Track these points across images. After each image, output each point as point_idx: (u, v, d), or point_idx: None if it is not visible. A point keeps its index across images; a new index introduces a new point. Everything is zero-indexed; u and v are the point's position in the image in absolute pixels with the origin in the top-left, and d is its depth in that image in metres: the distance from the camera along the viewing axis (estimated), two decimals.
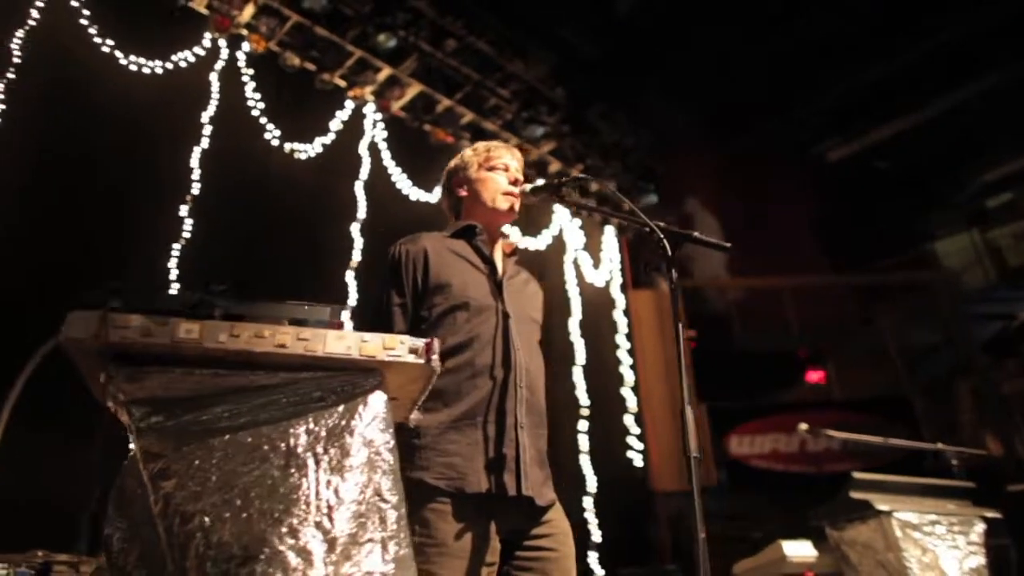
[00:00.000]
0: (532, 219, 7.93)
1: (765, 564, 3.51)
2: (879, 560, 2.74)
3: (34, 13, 4.87)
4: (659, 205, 8.75)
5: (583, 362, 7.44)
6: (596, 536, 6.68)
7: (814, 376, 9.42)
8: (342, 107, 6.44)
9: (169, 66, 5.39)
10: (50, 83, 4.76)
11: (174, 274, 4.88)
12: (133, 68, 5.23)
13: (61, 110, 4.75)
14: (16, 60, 4.69)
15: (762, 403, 8.66)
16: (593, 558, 6.55)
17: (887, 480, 3.01)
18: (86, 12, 5.09)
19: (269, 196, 5.66)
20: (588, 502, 6.80)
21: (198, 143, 5.34)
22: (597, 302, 8.11)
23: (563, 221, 8.20)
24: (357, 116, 6.55)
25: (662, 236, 1.78)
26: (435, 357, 1.26)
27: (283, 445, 1.09)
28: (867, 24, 8.42)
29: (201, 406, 1.08)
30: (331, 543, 1.03)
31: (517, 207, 2.17)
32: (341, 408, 1.16)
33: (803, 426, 3.21)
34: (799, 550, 3.26)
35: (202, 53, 5.60)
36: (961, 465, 3.47)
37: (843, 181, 9.97)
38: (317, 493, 1.07)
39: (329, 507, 1.06)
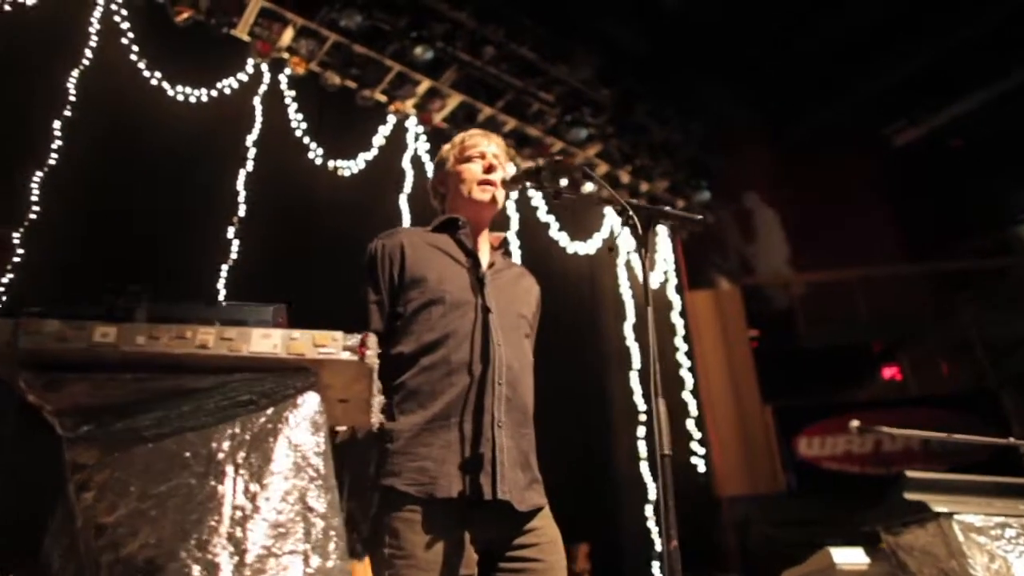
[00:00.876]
0: (581, 223, 7.84)
1: (812, 573, 3.29)
2: (941, 568, 2.50)
3: (88, 53, 5.12)
4: (714, 201, 8.50)
5: (639, 366, 7.26)
6: (659, 546, 6.48)
7: (888, 372, 8.91)
8: (384, 122, 6.52)
9: (214, 93, 5.59)
10: (104, 118, 5.00)
11: (222, 295, 5.02)
12: (180, 98, 5.43)
13: (114, 143, 4.98)
14: (72, 98, 4.93)
15: (832, 402, 8.23)
16: (656, 568, 6.36)
17: (945, 479, 2.76)
18: (135, 48, 5.32)
19: (314, 214, 5.77)
20: (649, 510, 6.61)
21: (243, 166, 5.49)
22: (653, 305, 7.91)
23: (614, 224, 8.06)
24: (399, 130, 6.63)
25: (632, 213, 1.67)
26: (370, 353, 1.20)
27: (205, 452, 1.05)
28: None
29: (130, 413, 1.06)
30: (242, 555, 0.99)
31: (499, 196, 2.08)
32: (270, 411, 1.12)
33: (854, 423, 3.00)
34: (850, 557, 3.04)
35: (245, 79, 5.78)
36: None
37: (914, 164, 9.43)
38: (233, 502, 1.03)
39: (244, 517, 1.01)
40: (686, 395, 7.62)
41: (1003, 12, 7.96)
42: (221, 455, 1.06)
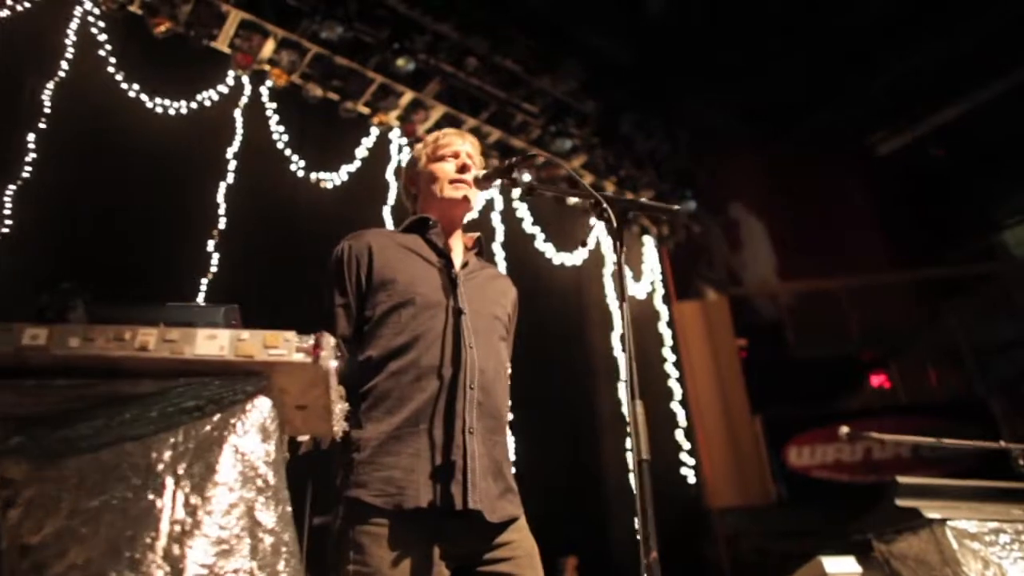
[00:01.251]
0: (568, 233, 7.81)
1: None
2: None
3: (64, 65, 5.04)
4: (700, 210, 8.50)
5: (626, 377, 7.19)
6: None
7: (877, 380, 8.90)
8: (367, 134, 6.47)
9: (194, 105, 5.52)
10: (80, 130, 4.92)
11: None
12: (159, 110, 5.36)
13: (90, 155, 4.89)
14: (47, 110, 4.85)
15: (822, 411, 8.19)
16: None
17: (937, 484, 2.71)
18: (113, 60, 5.25)
19: (296, 226, 5.69)
20: (638, 522, 6.51)
21: (224, 178, 5.41)
22: (639, 315, 7.87)
23: (600, 234, 8.03)
24: (383, 142, 6.58)
25: (606, 206, 1.61)
26: (324, 354, 1.13)
27: (144, 463, 0.98)
28: (909, 8, 8.04)
29: (66, 423, 0.98)
30: (179, 574, 0.91)
31: (472, 196, 2.02)
32: (216, 418, 1.04)
33: (844, 429, 2.95)
34: (842, 567, 2.97)
35: (226, 91, 5.71)
36: None
37: (898, 173, 9.48)
38: (172, 516, 0.95)
39: (183, 532, 0.94)
40: (675, 405, 7.56)
41: (984, 24, 8.04)
42: (161, 466, 0.98)
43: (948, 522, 2.51)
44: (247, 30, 5.72)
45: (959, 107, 8.91)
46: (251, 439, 1.05)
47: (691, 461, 7.31)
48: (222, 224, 5.27)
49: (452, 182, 1.99)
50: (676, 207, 1.64)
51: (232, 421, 1.05)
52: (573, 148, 7.44)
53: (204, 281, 5.04)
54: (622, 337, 1.41)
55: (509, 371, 1.96)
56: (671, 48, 8.32)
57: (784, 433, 7.98)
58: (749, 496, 7.63)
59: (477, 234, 2.09)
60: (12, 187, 4.56)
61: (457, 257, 1.98)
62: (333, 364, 1.16)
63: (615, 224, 1.59)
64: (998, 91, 8.71)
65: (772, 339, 9.01)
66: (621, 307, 1.47)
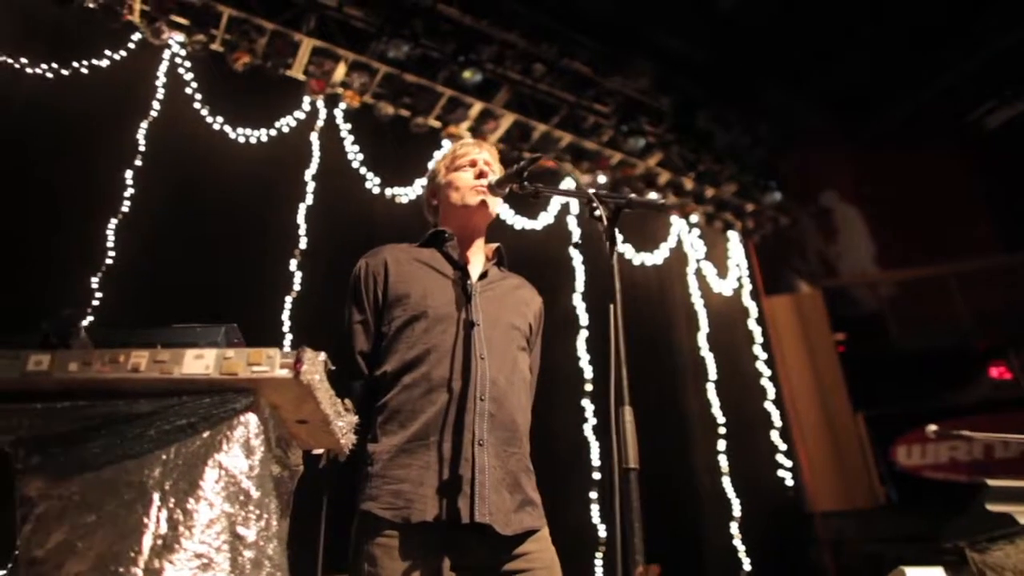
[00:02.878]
0: (648, 233, 7.67)
1: None
2: None
3: (156, 104, 5.42)
4: (787, 201, 8.14)
5: (715, 377, 6.97)
6: (747, 565, 6.14)
7: (996, 371, 8.18)
8: (439, 147, 6.58)
9: (273, 133, 5.79)
10: (172, 164, 5.26)
11: (287, 325, 5.15)
12: (241, 140, 5.66)
13: (182, 187, 5.22)
14: (141, 148, 5.22)
15: (933, 407, 7.61)
16: None
17: None
18: (199, 96, 5.59)
19: (374, 241, 5.81)
20: (735, 528, 6.29)
21: (303, 199, 5.65)
22: (727, 313, 7.62)
23: (681, 231, 7.84)
24: None
25: (598, 204, 1.56)
26: (306, 368, 1.14)
27: (137, 480, 1.02)
28: None
29: (77, 441, 1.05)
30: None
31: (491, 202, 2.00)
32: (206, 435, 1.08)
33: (931, 428, 2.73)
34: None
35: (302, 116, 5.96)
36: None
37: (1007, 147, 8.73)
38: (156, 531, 0.98)
39: (165, 546, 0.97)
40: (768, 405, 7.25)
41: None
42: (151, 482, 1.03)
43: None
44: (319, 56, 5.96)
45: None
46: (235, 455, 1.08)
47: (788, 463, 6.98)
48: (303, 243, 5.49)
49: (472, 188, 1.99)
50: (662, 201, 1.57)
51: (219, 438, 1.09)
52: (647, 146, 7.30)
53: (288, 299, 5.27)
54: (616, 341, 1.35)
55: (529, 380, 1.93)
56: (746, 41, 8.02)
57: (891, 432, 7.48)
58: (854, 499, 7.20)
59: (497, 245, 2.08)
60: (114, 221, 4.93)
61: (476, 268, 1.98)
62: (317, 378, 1.17)
63: (606, 223, 1.54)
64: None
65: (873, 332, 8.48)
66: (614, 309, 1.41)
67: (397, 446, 1.66)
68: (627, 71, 7.39)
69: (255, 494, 1.07)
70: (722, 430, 6.68)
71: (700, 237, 7.87)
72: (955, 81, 8.21)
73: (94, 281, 4.69)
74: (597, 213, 1.56)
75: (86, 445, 1.04)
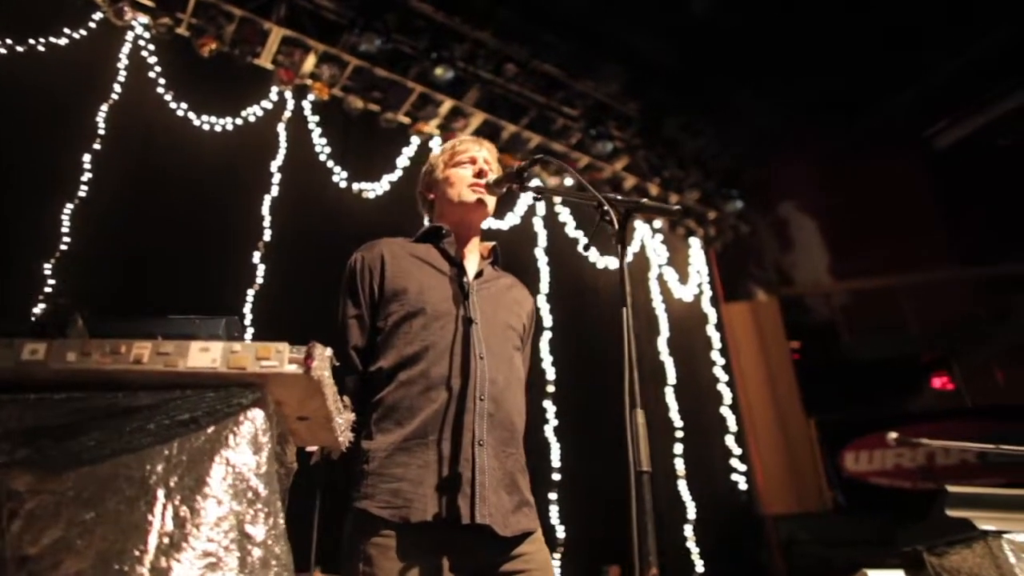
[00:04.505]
0: (610, 237, 7.72)
1: None
2: None
3: (117, 87, 5.25)
4: (748, 209, 8.31)
5: (674, 382, 7.08)
6: (699, 567, 6.25)
7: (939, 382, 8.51)
8: (408, 143, 6.54)
9: (239, 121, 5.67)
10: (132, 149, 5.11)
11: (248, 319, 5.04)
12: (206, 127, 5.52)
13: (142, 173, 5.07)
14: (101, 131, 5.05)
15: (880, 415, 7.87)
16: None
17: (991, 494, 2.55)
18: (162, 81, 5.44)
19: (339, 236, 5.76)
20: (688, 530, 6.39)
21: (268, 191, 5.54)
22: (687, 318, 7.74)
23: (644, 237, 7.94)
24: (423, 151, 6.63)
25: (608, 208, 1.57)
26: (317, 364, 1.12)
27: (138, 475, 0.99)
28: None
29: (69, 436, 1.00)
30: None
31: (488, 201, 2.00)
32: (211, 430, 1.04)
33: (892, 435, 2.82)
34: None
35: (269, 106, 5.85)
36: None
37: (959, 165, 9.08)
38: (161, 529, 0.95)
39: (172, 544, 0.94)
40: (724, 410, 7.39)
41: None
42: (154, 478, 0.99)
43: (1005, 535, 2.35)
44: (289, 46, 5.85)
45: (1021, 96, 8.50)
46: (243, 451, 1.05)
47: (742, 467, 7.13)
48: (267, 236, 5.39)
49: (470, 187, 1.98)
50: (677, 207, 1.59)
51: (225, 434, 1.05)
52: (614, 150, 7.37)
53: (251, 292, 5.17)
54: (628, 344, 1.36)
55: (523, 380, 1.92)
56: (715, 48, 8.16)
57: (840, 438, 7.71)
58: (804, 503, 7.39)
59: (493, 243, 2.07)
60: (70, 206, 4.76)
61: (471, 266, 1.96)
62: (327, 375, 1.15)
63: (616, 226, 1.54)
64: None
65: (826, 340, 8.73)
66: (625, 311, 1.42)
67: (395, 444, 1.63)
68: (597, 75, 7.45)
69: (263, 492, 1.04)
70: (679, 434, 6.78)
71: (663, 243, 7.98)
72: (912, 98, 8.50)
73: (47, 267, 4.51)
74: (608, 217, 1.55)
75: (79, 439, 0.99)
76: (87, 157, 4.93)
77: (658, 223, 8.06)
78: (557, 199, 7.05)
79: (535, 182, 6.21)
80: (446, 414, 1.66)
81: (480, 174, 1.99)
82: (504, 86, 6.81)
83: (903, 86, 8.70)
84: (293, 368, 1.10)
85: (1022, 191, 9.11)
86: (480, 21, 6.58)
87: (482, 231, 2.08)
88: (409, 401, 1.67)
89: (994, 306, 9.09)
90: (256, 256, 5.26)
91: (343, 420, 1.29)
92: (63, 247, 4.63)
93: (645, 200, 1.57)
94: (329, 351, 1.16)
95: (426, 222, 2.14)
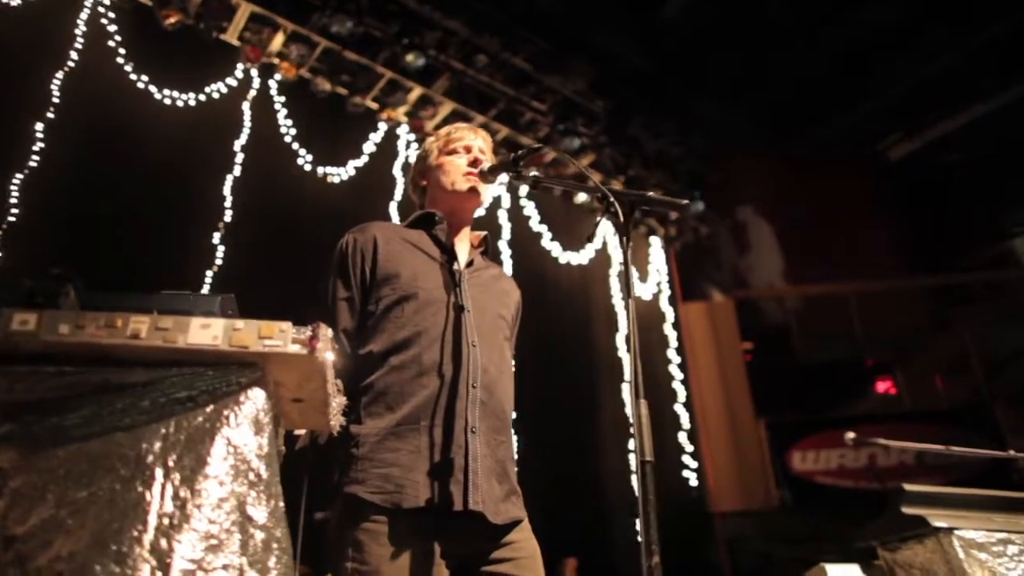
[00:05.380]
0: (575, 232, 7.78)
1: None
2: None
3: (73, 55, 5.04)
4: (708, 212, 8.46)
5: (630, 378, 7.16)
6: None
7: (883, 386, 8.83)
8: (375, 129, 6.45)
9: (202, 98, 5.51)
10: (87, 120, 4.91)
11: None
12: (168, 102, 5.35)
13: (98, 145, 4.88)
14: (55, 100, 4.85)
15: (826, 416, 8.13)
16: None
17: (945, 493, 2.66)
18: (122, 51, 5.24)
19: (302, 220, 5.68)
20: (639, 524, 6.48)
21: (231, 171, 5.40)
22: (645, 316, 7.84)
23: (607, 235, 8.00)
24: (390, 138, 6.56)
25: (613, 200, 1.58)
26: (321, 346, 1.09)
27: (133, 454, 0.95)
28: (921, 14, 7.97)
29: (56, 411, 0.96)
30: (166, 569, 0.87)
31: (482, 190, 1.99)
32: (209, 409, 1.01)
33: (850, 435, 2.92)
34: (845, 574, 2.94)
35: (234, 83, 5.70)
36: None
37: (909, 178, 9.41)
38: (160, 509, 0.92)
39: (172, 525, 0.91)
40: (678, 408, 7.52)
41: (1000, 27, 7.96)
42: (151, 457, 0.95)
43: (955, 531, 2.47)
44: (257, 23, 5.71)
45: (972, 112, 8.84)
46: (244, 432, 1.02)
47: (694, 464, 7.27)
48: (228, 216, 5.26)
49: (465, 175, 1.96)
50: (685, 201, 1.60)
51: (225, 413, 1.02)
52: (581, 147, 7.40)
53: (209, 273, 5.03)
54: (627, 337, 1.38)
55: (513, 371, 1.93)
56: (683, 50, 8.27)
57: (788, 438, 7.93)
58: (752, 500, 7.58)
59: (484, 233, 2.06)
60: (19, 176, 4.56)
61: (462, 254, 1.96)
62: (330, 356, 1.13)
63: (622, 219, 1.55)
64: (1012, 97, 8.64)
65: (778, 343, 8.96)
66: (627, 304, 1.44)
67: (386, 429, 1.61)
68: (566, 71, 7.47)
69: (265, 474, 1.01)
70: (633, 429, 6.86)
71: (620, 245, 8.05)
72: (870, 110, 8.76)
73: None
74: (612, 209, 1.55)
75: (66, 415, 0.95)
76: (39, 126, 4.72)
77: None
78: (540, 191, 7.05)
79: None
80: (438, 400, 1.65)
81: (475, 163, 1.98)
82: (474, 76, 6.77)
83: (861, 98, 8.97)
84: (296, 348, 1.08)
85: (964, 206, 9.50)
86: (453, 10, 6.52)
87: (474, 220, 2.07)
88: (400, 386, 1.66)
89: (935, 316, 9.47)
90: (216, 237, 5.12)
91: (336, 403, 1.27)
92: (11, 219, 4.43)
93: (652, 193, 1.58)
94: (331, 332, 1.14)
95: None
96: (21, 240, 4.42)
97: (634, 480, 6.79)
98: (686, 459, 7.28)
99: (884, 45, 8.06)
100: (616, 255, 7.94)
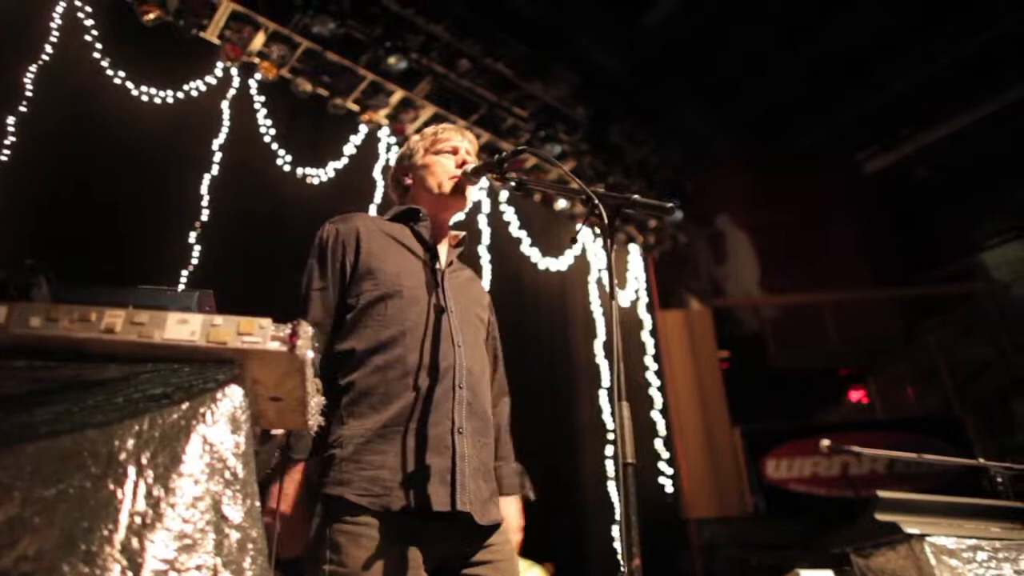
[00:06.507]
0: (555, 238, 7.80)
1: None
2: None
3: (48, 48, 4.95)
4: (686, 221, 8.52)
5: (608, 384, 7.17)
6: (624, 567, 6.35)
7: (856, 395, 8.95)
8: (356, 131, 6.42)
9: (180, 95, 5.44)
10: (62, 115, 4.82)
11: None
12: (145, 99, 5.27)
13: (72, 141, 4.79)
14: (28, 94, 4.75)
15: (800, 424, 8.22)
16: None
17: (918, 500, 2.71)
18: (99, 46, 5.16)
19: (280, 221, 5.61)
20: (616, 530, 6.50)
21: (208, 170, 5.33)
22: (623, 323, 7.85)
23: (586, 241, 8.03)
24: (371, 140, 6.53)
25: (597, 203, 1.58)
26: (301, 343, 1.08)
27: (105, 451, 0.92)
28: (902, 26, 8.12)
29: (25, 407, 0.93)
30: (137, 569, 0.85)
31: (468, 192, 1.98)
32: (185, 406, 0.99)
33: (825, 442, 2.94)
34: None
35: (214, 82, 5.63)
36: (1011, 484, 3.14)
37: (883, 191, 9.57)
38: (132, 508, 0.90)
39: (144, 524, 0.88)
40: (655, 414, 7.55)
41: (974, 43, 8.14)
42: (123, 455, 0.93)
43: (927, 538, 2.50)
44: (238, 22, 5.65)
45: (943, 129, 9.02)
46: (220, 429, 1.00)
47: (669, 470, 7.30)
48: (204, 216, 5.19)
49: (452, 178, 1.95)
50: (671, 204, 1.61)
51: (201, 410, 1.00)
52: (562, 154, 7.43)
53: (184, 273, 4.96)
54: (605, 343, 1.38)
55: (491, 373, 1.92)
56: (665, 60, 8.35)
57: (763, 445, 8.00)
58: (726, 507, 7.63)
59: (463, 233, 2.05)
60: None
61: (442, 254, 1.95)
62: (310, 354, 1.11)
63: (606, 222, 1.55)
64: (980, 114, 8.83)
65: (753, 351, 9.05)
66: (609, 307, 1.43)
67: (372, 430, 1.58)
68: (548, 78, 7.50)
69: (241, 473, 0.98)
70: (611, 436, 6.88)
71: (604, 248, 8.09)
72: (847, 122, 8.89)
73: None
74: (597, 212, 1.55)
75: (36, 410, 0.91)
76: (11, 119, 4.62)
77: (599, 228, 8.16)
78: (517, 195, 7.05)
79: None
80: (425, 401, 1.63)
81: (462, 164, 1.97)
82: (456, 81, 6.76)
83: (838, 109, 9.11)
84: (276, 346, 1.05)
85: (936, 219, 9.69)
86: (435, 14, 6.52)
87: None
88: (385, 387, 1.63)
89: (906, 327, 9.63)
90: (192, 236, 5.05)
91: (315, 403, 1.25)
92: None
93: (636, 196, 1.58)
94: (312, 330, 1.12)
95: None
96: None
97: (611, 486, 6.81)
98: (662, 465, 7.30)
99: (861, 57, 8.20)
100: (595, 261, 7.97)
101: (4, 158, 4.54)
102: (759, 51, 8.18)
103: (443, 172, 1.96)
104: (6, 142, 4.56)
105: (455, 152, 1.99)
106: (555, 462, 6.64)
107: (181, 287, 4.87)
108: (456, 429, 1.64)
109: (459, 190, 1.94)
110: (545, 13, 7.27)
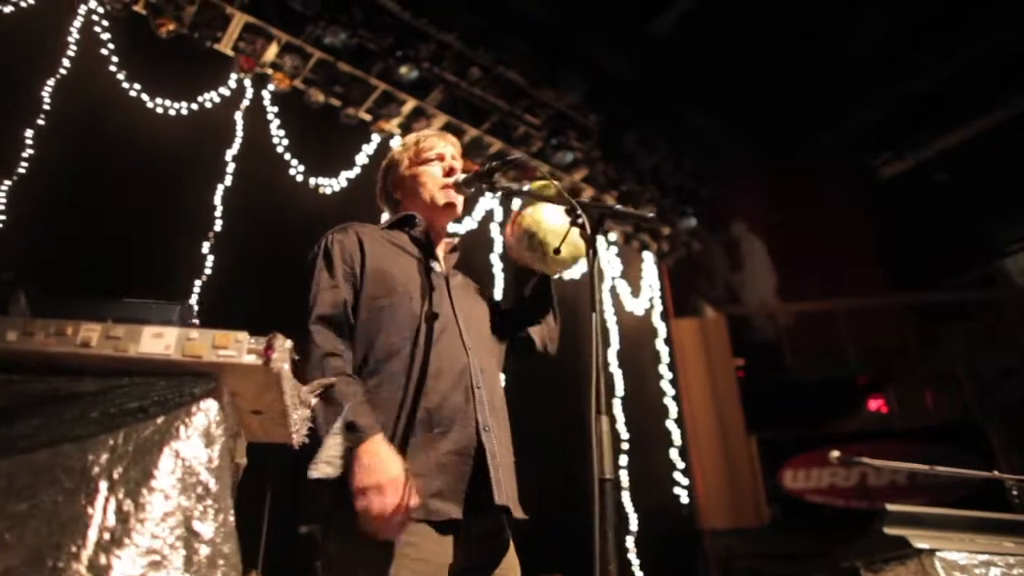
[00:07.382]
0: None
1: None
2: None
3: (65, 62, 5.03)
4: (700, 228, 8.47)
5: (623, 394, 7.13)
6: None
7: (874, 404, 8.81)
8: (368, 141, 6.46)
9: (195, 107, 5.50)
10: (78, 128, 4.90)
11: (195, 311, 4.88)
12: (160, 111, 5.34)
13: (88, 153, 4.87)
14: (46, 107, 4.84)
15: (818, 434, 8.10)
16: None
17: (927, 513, 2.64)
18: (115, 59, 5.25)
19: (293, 231, 5.63)
20: (630, 541, 6.44)
21: (222, 180, 5.39)
22: (637, 331, 7.82)
23: (599, 249, 8.00)
24: (384, 150, 6.55)
25: (580, 212, 1.57)
26: (276, 356, 1.07)
27: (79, 466, 0.93)
28: (917, 31, 8.03)
29: (2, 420, 0.93)
30: None
31: (459, 202, 1.98)
32: (160, 420, 0.99)
33: (835, 454, 2.89)
34: None
35: (227, 93, 5.70)
36: None
37: (900, 197, 9.45)
38: (102, 523, 0.90)
39: (113, 540, 0.88)
40: (670, 424, 7.49)
41: (989, 48, 8.03)
42: (96, 469, 0.93)
43: (937, 553, 2.44)
44: (251, 33, 5.72)
45: (962, 133, 8.90)
46: (194, 444, 1.00)
47: (685, 481, 7.23)
48: (218, 226, 5.24)
49: (443, 188, 1.94)
50: (651, 214, 1.60)
51: (176, 424, 1.00)
52: (574, 161, 7.42)
53: (198, 283, 5.01)
54: (618, 352, 1.36)
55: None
56: (677, 67, 8.32)
57: (780, 455, 7.90)
58: (742, 518, 7.54)
59: (456, 239, 2.05)
60: (7, 182, 4.54)
61: (441, 259, 1.95)
62: (286, 367, 1.11)
63: (589, 231, 1.55)
64: (1001, 118, 8.70)
65: (770, 359, 8.95)
66: (592, 317, 1.42)
67: (397, 440, 1.58)
68: (559, 85, 7.50)
69: (214, 487, 0.98)
70: (625, 445, 6.83)
71: (617, 256, 8.06)
72: (862, 128, 8.80)
73: None
74: (580, 221, 1.54)
75: (13, 424, 0.92)
76: (29, 132, 4.70)
77: (613, 235, 8.14)
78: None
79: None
80: (447, 405, 1.62)
81: (450, 171, 1.96)
82: (467, 90, 6.79)
83: (854, 115, 9.03)
84: (251, 359, 1.05)
85: (952, 225, 9.55)
86: (447, 23, 6.55)
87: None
88: (402, 394, 1.62)
89: (924, 333, 9.48)
90: (206, 246, 5.09)
91: (299, 416, 1.24)
92: None
93: (619, 206, 1.57)
94: (289, 343, 1.12)
95: (384, 217, 2.11)
96: (8, 247, 4.40)
97: (625, 496, 6.76)
98: (677, 476, 7.24)
99: (877, 62, 8.12)
100: (608, 270, 7.94)
101: (22, 170, 4.61)
102: (773, 56, 8.13)
103: (433, 183, 1.95)
104: (24, 155, 4.64)
105: (441, 159, 1.99)
106: (568, 473, 6.60)
107: (195, 297, 4.93)
108: (482, 427, 1.64)
109: (451, 203, 1.94)
110: (556, 21, 7.28)
